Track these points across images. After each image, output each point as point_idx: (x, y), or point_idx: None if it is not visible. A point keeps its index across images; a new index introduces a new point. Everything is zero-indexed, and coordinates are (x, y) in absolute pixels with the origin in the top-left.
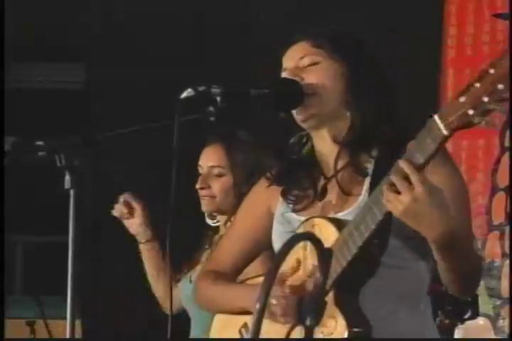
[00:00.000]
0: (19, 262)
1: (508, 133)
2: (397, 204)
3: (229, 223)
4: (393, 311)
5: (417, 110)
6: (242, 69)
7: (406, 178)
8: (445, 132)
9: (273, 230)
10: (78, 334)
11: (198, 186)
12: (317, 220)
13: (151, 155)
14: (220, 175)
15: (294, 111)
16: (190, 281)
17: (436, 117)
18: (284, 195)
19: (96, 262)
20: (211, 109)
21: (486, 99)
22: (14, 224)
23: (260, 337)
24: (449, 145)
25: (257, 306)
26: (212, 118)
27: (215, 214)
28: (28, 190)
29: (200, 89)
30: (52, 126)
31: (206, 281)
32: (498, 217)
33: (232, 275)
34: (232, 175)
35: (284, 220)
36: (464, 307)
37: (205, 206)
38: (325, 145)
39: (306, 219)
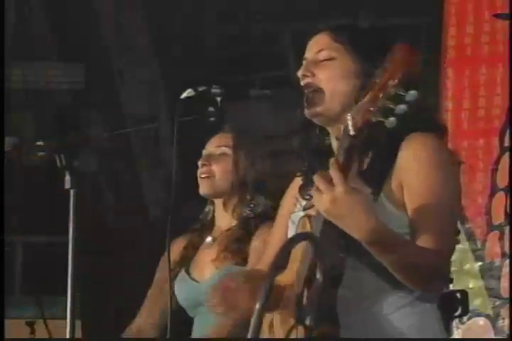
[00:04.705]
0: (19, 262)
1: (508, 133)
2: (320, 203)
3: (228, 205)
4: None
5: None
6: (242, 69)
7: (329, 178)
8: (352, 132)
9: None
10: (78, 334)
11: (199, 162)
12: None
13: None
14: (223, 154)
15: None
16: (193, 279)
17: (348, 116)
18: (302, 190)
19: (97, 262)
20: (211, 109)
21: (381, 95)
22: (14, 224)
23: None
24: (449, 146)
25: (257, 306)
26: (212, 119)
27: (212, 198)
28: (28, 190)
29: (200, 89)
30: (52, 126)
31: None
32: (498, 217)
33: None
34: (234, 157)
35: (291, 220)
36: (453, 304)
37: (203, 187)
38: (335, 142)
39: (302, 217)
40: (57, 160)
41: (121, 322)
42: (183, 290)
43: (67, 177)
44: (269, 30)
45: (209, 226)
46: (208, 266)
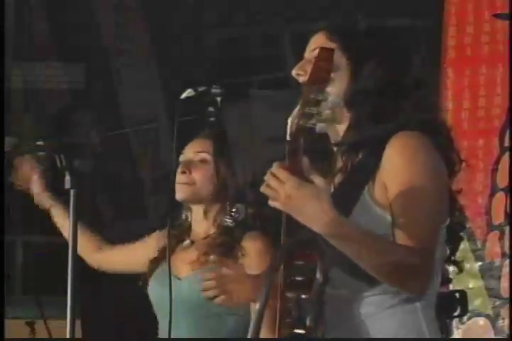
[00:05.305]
0: (19, 262)
1: (508, 133)
2: (276, 201)
3: (209, 213)
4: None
5: None
6: (241, 71)
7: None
8: (288, 138)
9: None
10: (78, 334)
11: (178, 170)
12: None
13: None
14: (203, 161)
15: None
16: (179, 278)
17: (288, 121)
18: None
19: None
20: (211, 109)
21: (302, 102)
22: (14, 224)
23: None
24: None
25: (257, 306)
26: (212, 119)
27: (190, 204)
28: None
29: (200, 89)
30: (53, 126)
31: None
32: (498, 217)
33: None
34: (215, 164)
35: None
36: (452, 304)
37: (181, 193)
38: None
39: None
40: (57, 160)
41: (121, 322)
42: (160, 285)
43: (67, 177)
44: (268, 32)
45: (186, 230)
46: (184, 267)
